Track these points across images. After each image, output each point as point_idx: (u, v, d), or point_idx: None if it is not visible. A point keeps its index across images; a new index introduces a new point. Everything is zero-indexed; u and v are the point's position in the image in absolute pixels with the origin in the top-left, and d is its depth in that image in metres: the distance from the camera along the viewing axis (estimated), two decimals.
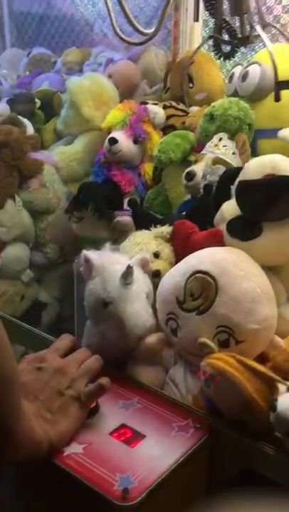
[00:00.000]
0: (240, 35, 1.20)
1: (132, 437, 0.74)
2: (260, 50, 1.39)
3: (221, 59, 1.40)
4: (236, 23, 1.23)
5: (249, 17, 1.20)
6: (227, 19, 1.25)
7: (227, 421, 0.76)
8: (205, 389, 0.78)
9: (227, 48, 1.31)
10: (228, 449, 0.76)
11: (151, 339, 0.88)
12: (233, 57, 1.33)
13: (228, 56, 1.34)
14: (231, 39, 1.24)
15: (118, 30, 1.42)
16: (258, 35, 1.21)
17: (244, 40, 1.20)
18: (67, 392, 0.73)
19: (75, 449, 0.71)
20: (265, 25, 1.21)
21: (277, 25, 1.46)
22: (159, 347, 0.89)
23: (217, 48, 1.29)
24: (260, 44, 1.52)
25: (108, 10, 1.44)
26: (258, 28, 1.14)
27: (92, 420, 0.76)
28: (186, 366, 0.87)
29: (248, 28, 1.18)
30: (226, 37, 1.27)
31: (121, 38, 1.43)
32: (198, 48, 1.49)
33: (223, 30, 1.25)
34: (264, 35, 1.15)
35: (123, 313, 0.85)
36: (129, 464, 0.68)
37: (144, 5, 1.92)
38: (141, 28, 1.44)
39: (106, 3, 1.44)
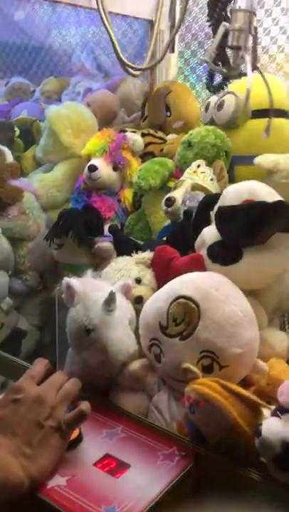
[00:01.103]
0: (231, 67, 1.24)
1: (117, 467, 0.72)
2: (234, 81, 1.44)
3: (197, 89, 1.46)
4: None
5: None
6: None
7: (212, 447, 0.76)
8: (189, 415, 0.78)
9: (217, 81, 1.35)
10: (214, 475, 0.75)
11: (135, 365, 0.88)
12: (223, 89, 1.37)
13: (218, 89, 1.38)
14: (225, 69, 1.27)
15: (123, 57, 1.50)
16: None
17: (236, 73, 1.24)
18: (46, 424, 0.71)
19: (58, 481, 0.69)
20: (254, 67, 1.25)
21: (265, 56, 1.53)
22: (142, 373, 0.88)
23: (209, 78, 1.32)
24: None
25: (112, 42, 1.50)
26: (248, 68, 1.18)
27: (76, 451, 0.75)
28: (170, 392, 0.86)
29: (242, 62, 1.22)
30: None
31: (124, 68, 1.52)
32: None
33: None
34: (249, 71, 1.18)
35: (106, 339, 0.84)
36: (115, 495, 0.67)
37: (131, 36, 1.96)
38: (130, 63, 1.50)
39: (110, 37, 1.51)
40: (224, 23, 1.22)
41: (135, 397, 0.89)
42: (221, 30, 1.21)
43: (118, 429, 0.80)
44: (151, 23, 1.75)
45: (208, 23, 1.30)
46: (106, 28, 1.51)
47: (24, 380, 0.76)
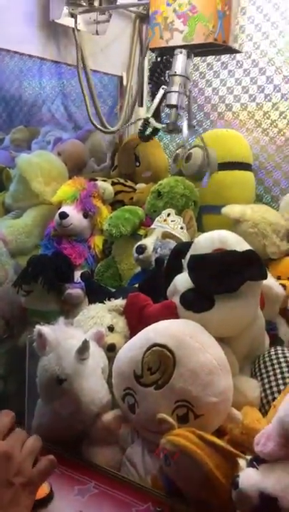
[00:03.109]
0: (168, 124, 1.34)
1: None
2: (201, 134, 1.51)
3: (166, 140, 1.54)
4: None
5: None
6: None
7: (188, 501, 0.74)
8: (164, 467, 0.75)
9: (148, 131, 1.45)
10: None
11: (108, 416, 0.85)
12: (150, 139, 1.46)
13: (146, 138, 1.46)
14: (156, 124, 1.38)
15: (93, 119, 1.61)
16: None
17: (172, 129, 1.33)
18: (16, 481, 0.67)
19: None
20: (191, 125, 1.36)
21: (229, 113, 1.65)
22: (115, 425, 0.86)
23: (143, 129, 1.42)
24: (201, 129, 1.67)
25: (85, 102, 1.59)
26: (184, 125, 1.30)
27: (47, 510, 0.71)
28: (144, 445, 0.84)
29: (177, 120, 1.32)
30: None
31: (97, 128, 1.64)
32: (131, 123, 1.67)
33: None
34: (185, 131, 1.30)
35: (79, 389, 0.82)
36: None
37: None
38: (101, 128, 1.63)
39: (84, 97, 1.59)
40: (163, 86, 1.34)
41: (108, 450, 0.86)
42: (160, 92, 1.33)
43: (90, 485, 0.77)
44: (120, 79, 1.83)
45: (150, 85, 1.44)
46: (82, 90, 1.59)
47: None
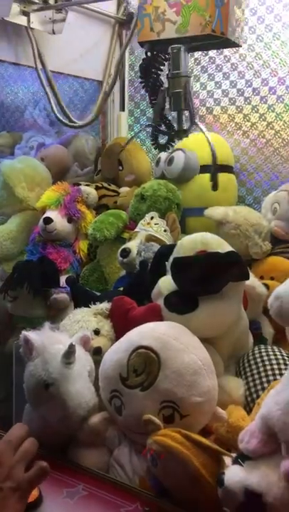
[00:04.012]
0: (177, 129, 1.29)
1: None
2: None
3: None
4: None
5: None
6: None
7: (175, 501, 0.75)
8: (151, 468, 0.77)
9: (162, 140, 1.41)
10: None
11: (95, 419, 0.86)
12: (168, 149, 1.38)
13: (163, 147, 1.38)
14: (168, 130, 1.32)
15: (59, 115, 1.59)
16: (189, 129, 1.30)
17: (182, 133, 1.27)
18: (4, 486, 0.67)
19: None
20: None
21: (210, 116, 1.65)
22: (103, 427, 0.87)
23: (154, 139, 1.35)
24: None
25: (48, 97, 1.60)
26: (200, 124, 1.24)
27: None
28: (131, 446, 0.85)
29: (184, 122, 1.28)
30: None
31: (61, 122, 1.62)
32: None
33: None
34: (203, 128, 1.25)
35: (65, 393, 0.83)
36: None
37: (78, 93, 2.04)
38: (72, 118, 1.57)
39: (46, 92, 1.59)
40: (162, 88, 1.25)
41: (95, 452, 0.87)
42: (161, 95, 1.24)
43: (79, 487, 0.78)
44: (101, 84, 1.84)
45: (142, 85, 1.33)
46: (43, 87, 1.60)
47: None
